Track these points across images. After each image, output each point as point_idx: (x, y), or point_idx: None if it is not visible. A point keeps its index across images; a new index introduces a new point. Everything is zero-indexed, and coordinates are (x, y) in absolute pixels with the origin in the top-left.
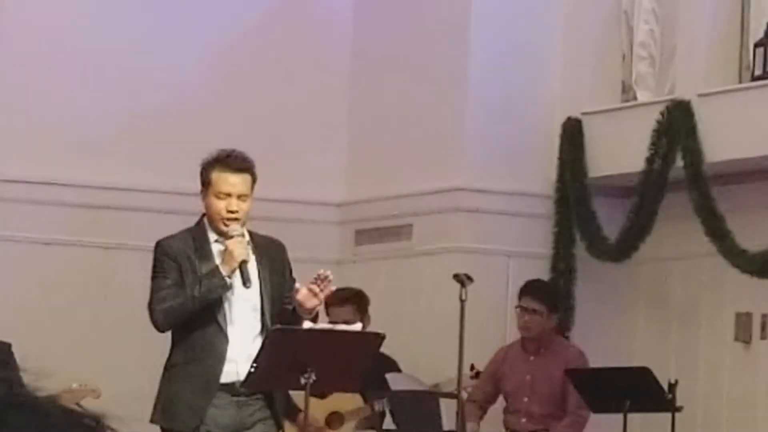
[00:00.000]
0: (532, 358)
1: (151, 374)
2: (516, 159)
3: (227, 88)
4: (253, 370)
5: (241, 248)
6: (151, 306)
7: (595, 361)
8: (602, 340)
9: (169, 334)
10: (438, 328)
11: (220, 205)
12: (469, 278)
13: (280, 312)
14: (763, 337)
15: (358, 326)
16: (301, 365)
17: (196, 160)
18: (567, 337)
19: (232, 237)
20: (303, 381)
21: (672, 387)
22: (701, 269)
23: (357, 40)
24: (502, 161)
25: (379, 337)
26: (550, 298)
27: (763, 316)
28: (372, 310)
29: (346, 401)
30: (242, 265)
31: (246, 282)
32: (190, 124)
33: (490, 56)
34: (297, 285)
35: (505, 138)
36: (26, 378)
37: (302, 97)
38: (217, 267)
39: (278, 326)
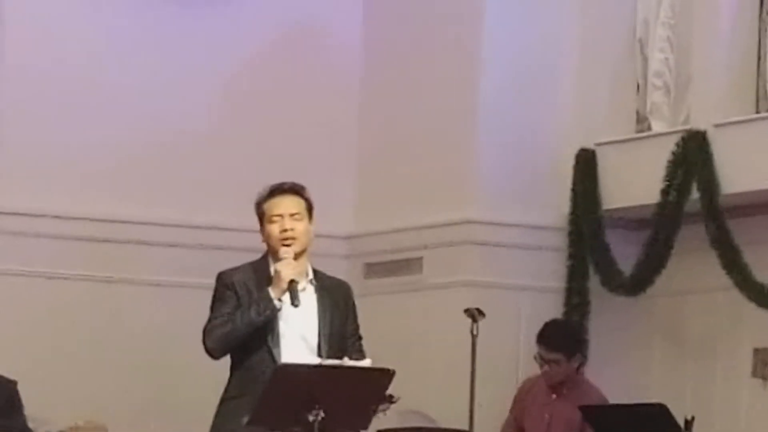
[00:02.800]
0: (554, 396)
1: (157, 410)
2: (528, 191)
3: (235, 120)
4: (257, 406)
5: (289, 269)
6: (204, 333)
7: (610, 397)
8: (617, 375)
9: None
10: (448, 363)
11: (275, 229)
12: (481, 313)
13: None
14: None
15: (367, 362)
16: (309, 402)
17: (203, 192)
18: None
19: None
20: (311, 418)
21: (688, 423)
22: (718, 303)
23: (366, 71)
24: (515, 193)
25: (389, 373)
26: (565, 345)
27: None
28: (381, 344)
29: None
30: (291, 285)
31: (294, 300)
32: (196, 156)
33: (502, 87)
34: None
35: (517, 169)
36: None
37: (310, 129)
38: (267, 291)
39: (285, 362)
